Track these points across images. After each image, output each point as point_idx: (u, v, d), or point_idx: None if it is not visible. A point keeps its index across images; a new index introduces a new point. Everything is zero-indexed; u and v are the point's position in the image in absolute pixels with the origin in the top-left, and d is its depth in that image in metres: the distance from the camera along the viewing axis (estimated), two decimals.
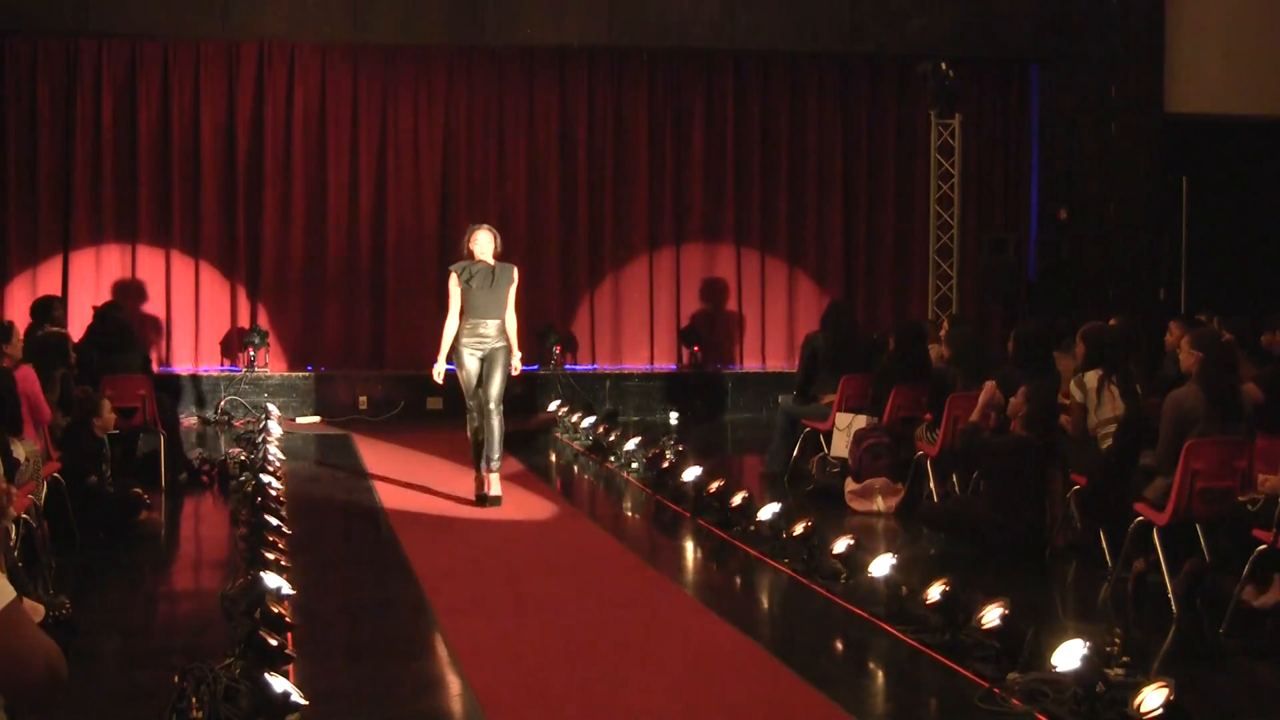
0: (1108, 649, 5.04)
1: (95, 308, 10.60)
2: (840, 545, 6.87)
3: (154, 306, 14.08)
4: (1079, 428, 7.76)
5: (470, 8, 13.73)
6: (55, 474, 7.62)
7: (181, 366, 13.99)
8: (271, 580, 6.15)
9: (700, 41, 14.24)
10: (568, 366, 14.33)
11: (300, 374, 14.09)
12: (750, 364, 15.01)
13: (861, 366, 10.02)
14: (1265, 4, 14.65)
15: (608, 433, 11.19)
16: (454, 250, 14.47)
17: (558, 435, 12.32)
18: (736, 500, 8.24)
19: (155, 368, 12.04)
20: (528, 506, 8.94)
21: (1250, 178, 14.80)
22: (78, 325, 11.67)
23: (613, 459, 10.73)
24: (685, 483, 9.11)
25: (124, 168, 13.99)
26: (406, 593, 6.94)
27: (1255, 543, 6.14)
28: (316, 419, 13.44)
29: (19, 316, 13.06)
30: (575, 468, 11.09)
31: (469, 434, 8.96)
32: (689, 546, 8.24)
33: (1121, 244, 14.57)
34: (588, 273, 14.73)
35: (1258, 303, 12.54)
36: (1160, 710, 4.66)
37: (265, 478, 8.61)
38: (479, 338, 8.70)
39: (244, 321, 14.14)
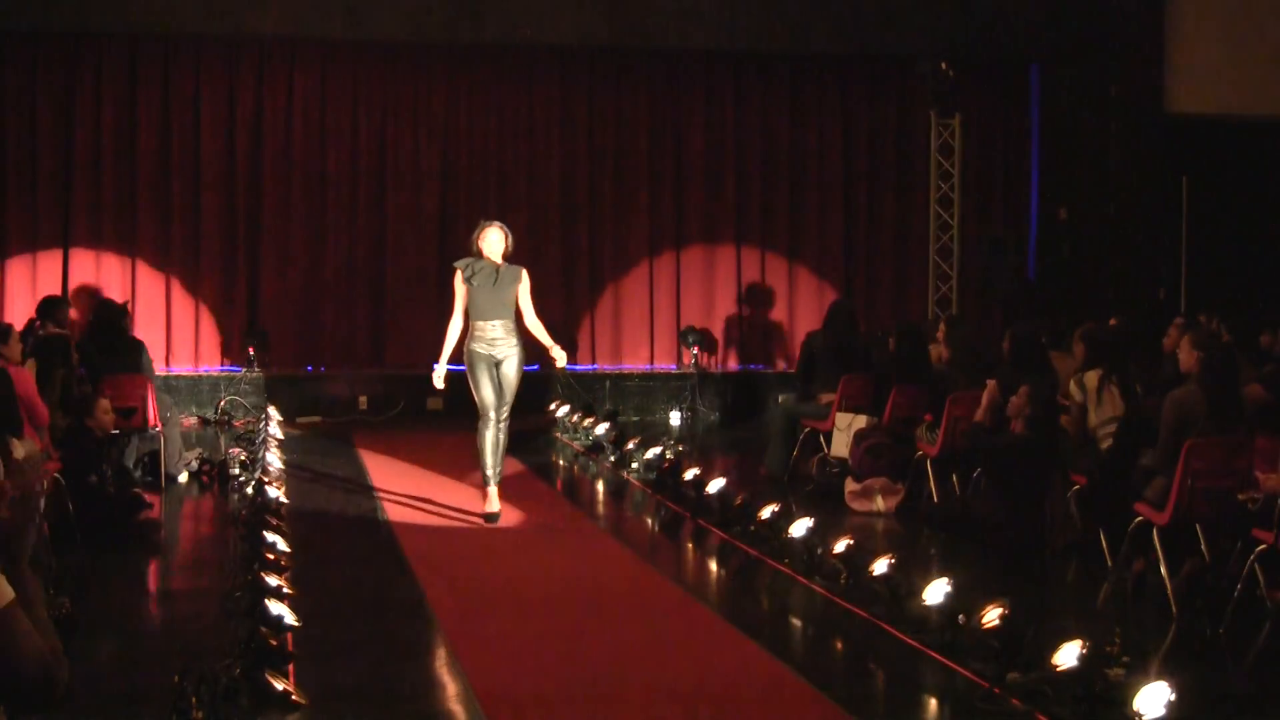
0: (1108, 649, 5.04)
1: (96, 305, 10.60)
2: (840, 545, 6.87)
3: (154, 306, 14.07)
4: (1079, 428, 7.76)
5: (470, 8, 13.72)
6: (55, 474, 7.62)
7: (182, 366, 13.99)
8: (271, 580, 6.16)
9: (700, 41, 14.24)
10: (567, 366, 14.31)
11: (300, 373, 14.09)
12: (750, 364, 15.01)
13: (861, 366, 10.01)
14: (1265, 4, 14.64)
15: (608, 433, 11.19)
16: (453, 249, 14.52)
17: (558, 435, 12.31)
18: (736, 500, 8.23)
19: (156, 368, 12.02)
20: (528, 506, 8.93)
21: (1250, 178, 14.80)
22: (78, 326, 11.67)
23: (613, 459, 10.73)
24: (685, 483, 9.12)
25: (123, 167, 13.99)
26: (406, 593, 6.94)
27: (1255, 543, 6.14)
28: (316, 419, 13.44)
29: (18, 317, 13.12)
30: (575, 468, 11.09)
31: (478, 441, 8.33)
32: (689, 547, 8.24)
33: (1121, 244, 14.57)
34: (588, 272, 14.73)
35: (1258, 303, 12.55)
36: (1160, 710, 4.66)
37: (265, 478, 8.62)
38: (488, 340, 8.22)
39: (244, 321, 14.14)
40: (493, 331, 8.22)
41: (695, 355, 14.45)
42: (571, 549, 7.96)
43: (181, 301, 14.13)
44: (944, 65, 14.17)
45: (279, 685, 4.93)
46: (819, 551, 7.05)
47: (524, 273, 8.42)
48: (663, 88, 14.84)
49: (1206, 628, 6.21)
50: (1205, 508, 6.46)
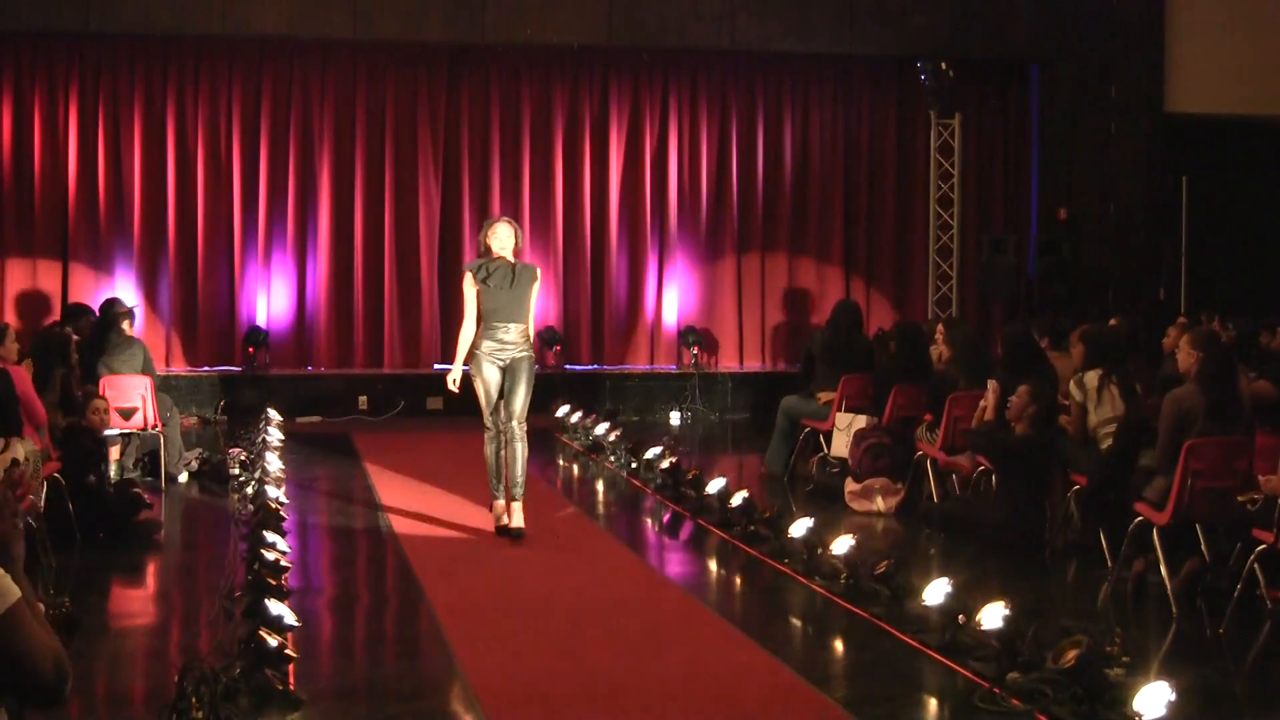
0: (1108, 649, 5.04)
1: (104, 302, 10.60)
2: (840, 545, 6.87)
3: (154, 305, 14.08)
4: (1079, 428, 7.76)
5: (470, 8, 13.72)
6: (55, 474, 7.62)
7: (182, 366, 13.99)
8: (271, 580, 6.16)
9: (700, 41, 14.24)
10: (567, 366, 14.34)
11: (300, 373, 14.10)
12: (750, 364, 15.01)
13: (862, 366, 10.02)
14: (1265, 4, 14.65)
15: (608, 433, 11.19)
16: (453, 249, 14.56)
17: (558, 435, 12.31)
18: (736, 500, 8.23)
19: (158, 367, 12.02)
20: (528, 507, 8.92)
21: (1250, 178, 14.81)
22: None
23: (613, 459, 10.73)
24: (686, 483, 9.12)
25: (122, 166, 13.98)
26: (406, 593, 6.95)
27: (1255, 543, 6.14)
28: (316, 419, 13.44)
29: (18, 316, 13.13)
30: (575, 468, 11.09)
31: (486, 455, 7.98)
32: (689, 547, 8.24)
33: (1121, 244, 14.57)
34: (589, 272, 14.72)
35: (1258, 303, 12.55)
36: (1160, 710, 4.66)
37: (265, 477, 8.62)
38: (499, 344, 7.72)
39: (244, 321, 14.13)
40: (506, 335, 7.73)
41: (695, 355, 14.45)
42: (571, 549, 7.95)
43: (181, 300, 14.13)
44: (944, 65, 14.18)
45: (279, 685, 4.93)
46: (819, 551, 7.05)
47: (538, 271, 8.01)
48: (663, 88, 14.83)
49: (1206, 628, 6.22)
50: (1205, 508, 6.46)
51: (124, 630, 6.28)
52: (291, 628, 5.60)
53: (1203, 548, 6.57)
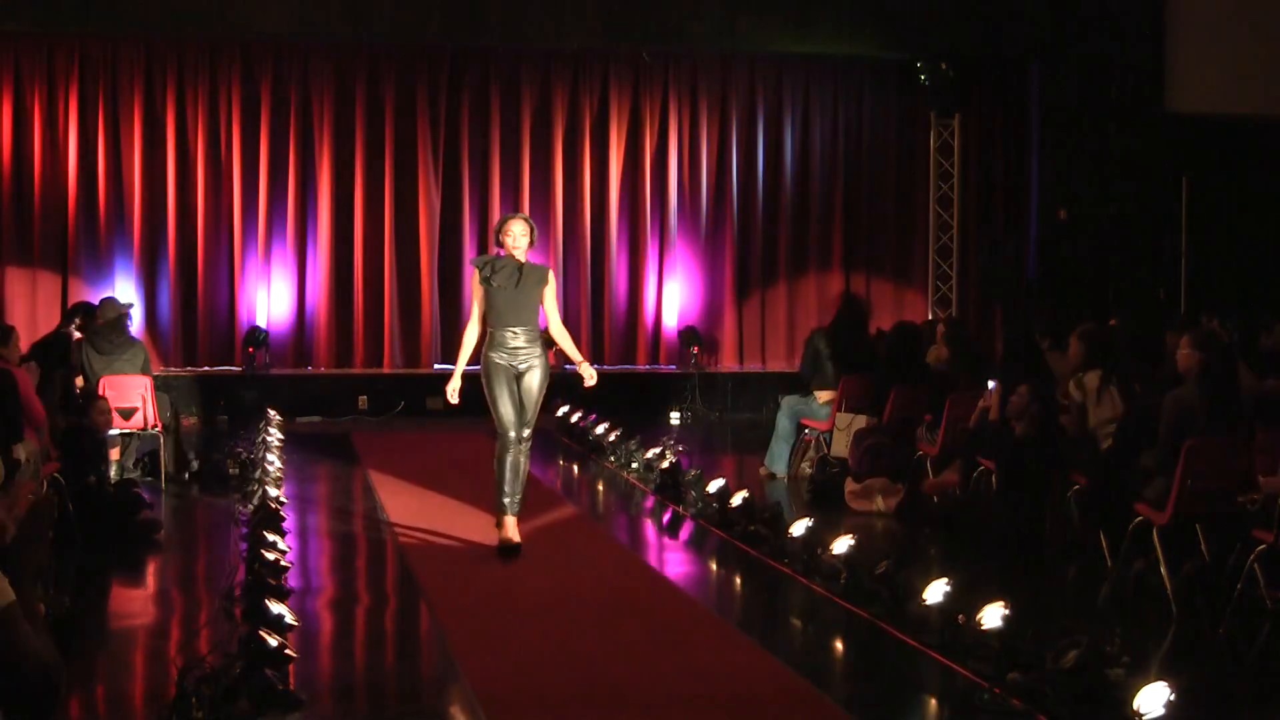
0: (1108, 649, 5.04)
1: (100, 302, 10.60)
2: (840, 545, 6.86)
3: (154, 305, 14.08)
4: (1079, 428, 7.76)
5: (470, 8, 13.72)
6: (55, 474, 7.63)
7: (181, 366, 13.99)
8: (271, 580, 6.16)
9: (700, 42, 14.24)
10: (567, 366, 14.31)
11: (300, 373, 14.10)
12: (750, 364, 15.01)
13: (865, 365, 10.02)
14: (1265, 4, 14.65)
15: (608, 433, 11.19)
16: (453, 249, 14.56)
17: (558, 436, 12.31)
18: (736, 500, 8.23)
19: (156, 368, 12.03)
20: (527, 507, 8.92)
21: (1250, 178, 14.80)
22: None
23: (613, 459, 10.73)
24: (686, 482, 9.12)
25: (121, 166, 13.99)
26: (406, 593, 6.95)
27: (1255, 543, 6.14)
28: (316, 419, 13.44)
29: (19, 317, 13.12)
30: (575, 467, 11.09)
31: (495, 466, 7.41)
32: (689, 547, 8.24)
33: (1121, 244, 14.58)
34: (589, 272, 14.72)
35: (1258, 303, 12.55)
36: (1160, 710, 4.66)
37: (265, 477, 8.62)
38: (509, 350, 7.26)
39: (244, 321, 14.13)
40: (514, 340, 7.27)
41: (695, 355, 14.45)
42: (571, 549, 7.95)
43: (181, 300, 14.13)
44: (944, 65, 14.19)
45: (279, 685, 4.93)
46: (819, 551, 7.05)
47: (550, 273, 7.48)
48: (663, 88, 14.84)
49: (1206, 628, 6.21)
50: (1205, 508, 6.46)
51: (124, 630, 6.28)
52: (291, 628, 5.61)
53: (1203, 548, 6.57)
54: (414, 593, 6.82)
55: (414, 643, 6.22)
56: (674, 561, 8.01)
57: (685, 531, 8.46)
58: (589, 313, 14.73)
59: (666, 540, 8.56)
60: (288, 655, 5.10)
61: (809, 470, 9.93)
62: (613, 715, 5.04)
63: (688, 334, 14.65)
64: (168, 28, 13.50)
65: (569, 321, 14.65)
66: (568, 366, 14.29)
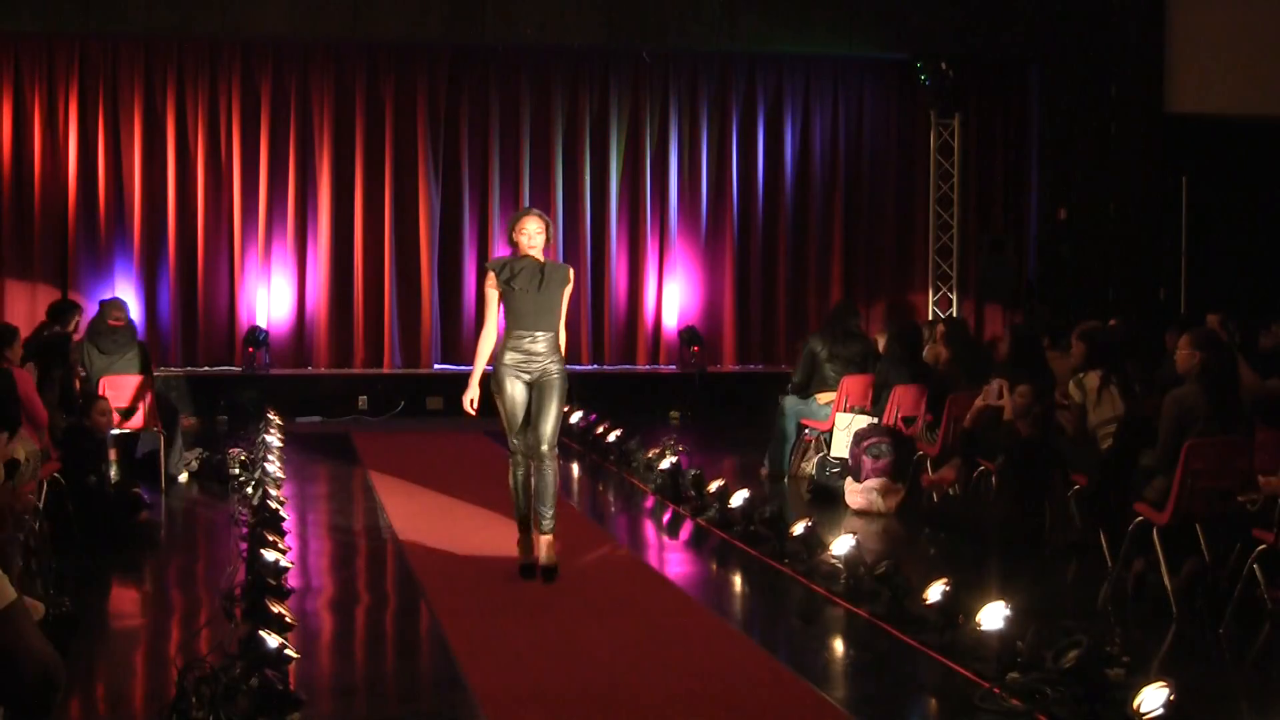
0: (1108, 649, 5.04)
1: (102, 303, 10.60)
2: (841, 545, 6.86)
3: (154, 305, 14.08)
4: (1079, 428, 7.76)
5: (470, 8, 13.72)
6: (55, 474, 7.63)
7: (181, 366, 13.99)
8: (271, 580, 6.16)
9: (700, 42, 14.24)
10: (567, 366, 14.29)
11: (300, 373, 14.10)
12: (750, 364, 15.01)
13: (859, 366, 10.03)
14: (1265, 4, 14.65)
15: (607, 433, 11.19)
16: (453, 249, 14.56)
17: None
18: (736, 500, 8.23)
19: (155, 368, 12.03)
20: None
21: (1250, 178, 14.81)
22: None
23: (612, 459, 10.73)
24: (685, 483, 9.11)
25: (122, 166, 13.99)
26: (406, 593, 6.94)
27: (1255, 543, 6.14)
28: (316, 418, 13.44)
29: (19, 317, 13.11)
30: (575, 468, 11.08)
31: (510, 482, 6.94)
32: (689, 547, 8.24)
33: (1121, 244, 14.58)
34: (589, 272, 14.73)
35: (1258, 303, 12.56)
36: (1160, 710, 4.66)
37: (265, 478, 8.62)
38: (526, 356, 6.73)
39: (244, 321, 14.14)
40: (534, 345, 6.74)
41: (695, 355, 14.45)
42: (571, 549, 7.94)
43: (181, 300, 14.13)
44: (944, 65, 14.19)
45: (279, 685, 4.93)
46: (819, 551, 7.05)
47: (571, 272, 6.93)
48: (663, 88, 14.84)
49: (1206, 628, 6.21)
50: (1205, 508, 6.46)
51: (124, 630, 6.28)
52: (291, 627, 5.61)
53: (1203, 548, 6.57)
54: (414, 593, 6.81)
55: (414, 643, 6.22)
56: (674, 561, 8.01)
57: (685, 531, 8.46)
58: (589, 313, 14.73)
59: (666, 540, 8.56)
60: (288, 655, 5.10)
61: (809, 470, 9.93)
62: (613, 715, 5.04)
63: (688, 334, 14.65)
64: (168, 28, 13.50)
65: (569, 321, 14.63)
66: (568, 367, 14.32)
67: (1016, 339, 8.70)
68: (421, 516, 8.56)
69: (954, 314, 14.40)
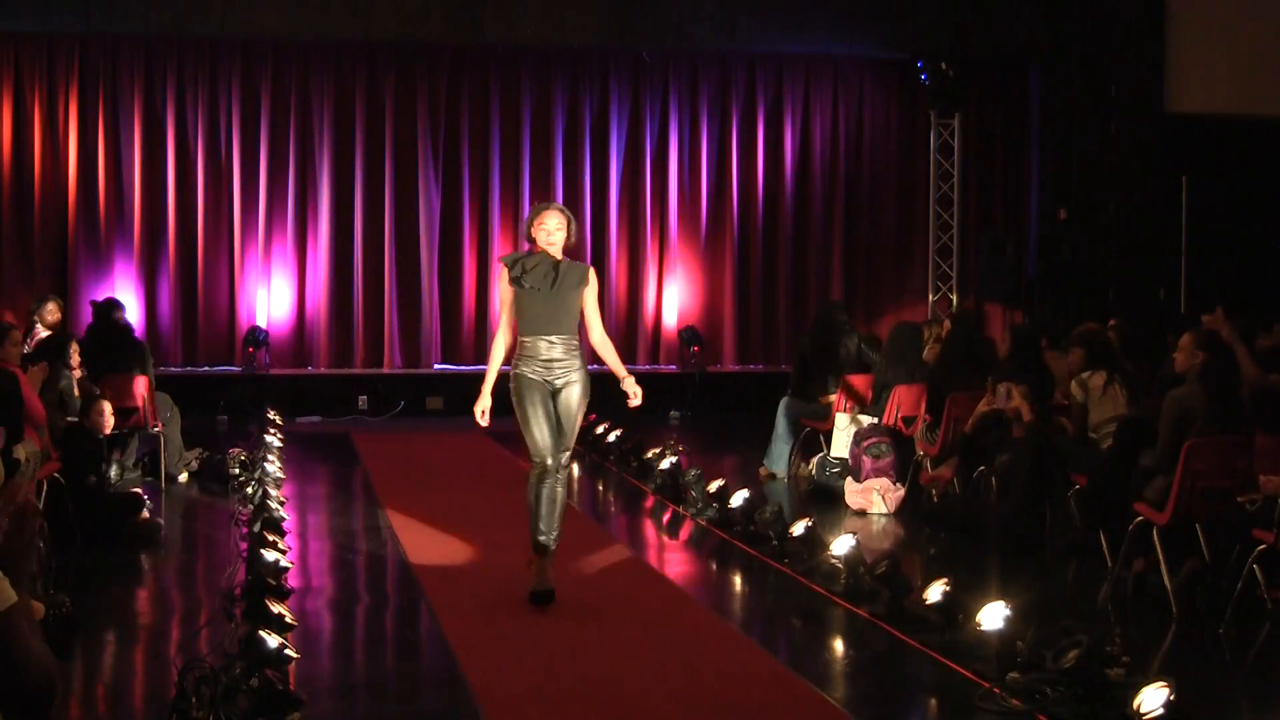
0: (1108, 649, 5.04)
1: (94, 305, 10.61)
2: (840, 545, 6.86)
3: (154, 305, 14.08)
4: (1079, 428, 7.76)
5: (470, 8, 13.72)
6: (55, 474, 7.62)
7: (181, 366, 13.99)
8: (271, 581, 6.16)
9: (700, 42, 14.24)
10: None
11: (300, 373, 14.09)
12: (750, 364, 15.01)
13: (853, 365, 10.02)
14: (1265, 4, 14.65)
15: (607, 433, 11.19)
16: (453, 249, 14.56)
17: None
18: (736, 500, 8.23)
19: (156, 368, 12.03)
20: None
21: (1250, 178, 14.80)
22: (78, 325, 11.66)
23: (612, 459, 10.73)
24: (686, 483, 9.11)
25: (122, 166, 13.99)
26: (406, 593, 6.94)
27: (1255, 543, 6.14)
28: (316, 418, 13.43)
29: (18, 316, 13.11)
30: (576, 468, 11.08)
31: (529, 498, 6.33)
32: (689, 547, 8.24)
33: (1121, 244, 14.57)
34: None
35: (1258, 303, 12.54)
36: (1160, 710, 4.66)
37: (264, 478, 8.62)
38: (544, 362, 6.31)
39: (244, 321, 14.13)
40: (550, 350, 6.34)
41: (695, 355, 14.44)
42: (571, 549, 7.93)
43: (181, 300, 14.12)
44: (944, 65, 14.18)
45: (279, 685, 4.93)
46: (819, 551, 7.05)
47: (592, 272, 6.53)
48: (663, 88, 14.84)
49: (1206, 628, 6.21)
50: (1205, 508, 6.46)
51: (124, 630, 6.27)
52: (291, 627, 5.61)
53: (1203, 548, 6.57)
54: (414, 593, 6.81)
55: (414, 642, 6.22)
56: (674, 561, 8.01)
57: (685, 531, 8.46)
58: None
59: (666, 540, 8.56)
60: (288, 655, 5.10)
61: (809, 470, 9.93)
62: (613, 715, 5.04)
63: (688, 334, 14.64)
64: (168, 28, 13.49)
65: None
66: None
67: (1017, 340, 8.69)
68: (421, 516, 8.56)
69: (954, 314, 14.36)
